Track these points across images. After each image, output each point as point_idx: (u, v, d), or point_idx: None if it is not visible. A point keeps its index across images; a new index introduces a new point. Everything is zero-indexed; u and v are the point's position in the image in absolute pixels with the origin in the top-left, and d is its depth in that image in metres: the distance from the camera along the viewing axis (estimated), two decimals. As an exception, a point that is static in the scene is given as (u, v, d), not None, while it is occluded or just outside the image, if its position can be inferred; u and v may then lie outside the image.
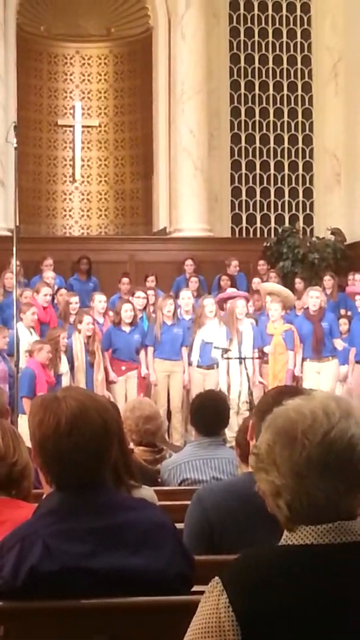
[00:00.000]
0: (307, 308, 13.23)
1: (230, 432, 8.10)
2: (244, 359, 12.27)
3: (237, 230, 19.09)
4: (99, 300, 13.54)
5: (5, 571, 2.73)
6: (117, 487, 3.81)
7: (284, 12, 19.31)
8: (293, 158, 19.27)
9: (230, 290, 14.66)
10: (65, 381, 11.99)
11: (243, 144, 19.14)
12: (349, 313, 14.43)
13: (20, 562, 2.71)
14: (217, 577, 2.08)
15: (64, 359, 12.02)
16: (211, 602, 2.05)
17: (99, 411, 2.88)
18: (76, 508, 2.81)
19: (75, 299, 13.35)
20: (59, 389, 10.16)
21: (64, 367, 12.00)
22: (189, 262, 16.37)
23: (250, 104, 19.15)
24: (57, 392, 2.98)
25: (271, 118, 19.19)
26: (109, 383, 12.68)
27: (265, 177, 19.19)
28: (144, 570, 2.79)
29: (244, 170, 19.13)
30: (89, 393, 3.05)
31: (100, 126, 20.21)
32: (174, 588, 2.82)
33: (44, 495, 2.94)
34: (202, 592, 2.11)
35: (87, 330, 12.45)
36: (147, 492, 4.14)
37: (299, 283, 15.54)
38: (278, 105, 19.23)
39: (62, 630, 2.71)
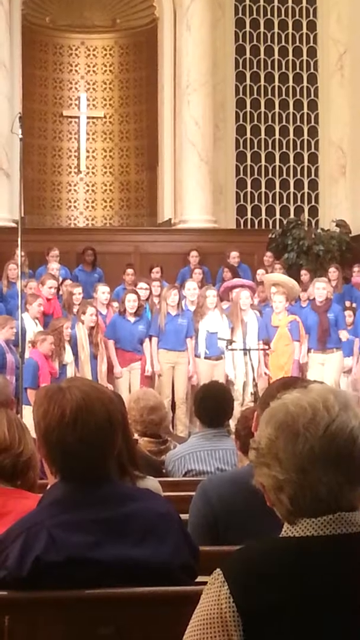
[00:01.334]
0: (314, 299, 13.22)
1: (235, 423, 8.09)
2: (249, 350, 12.26)
3: (242, 221, 19.08)
4: (102, 292, 13.53)
5: (10, 561, 2.73)
6: (122, 478, 3.82)
7: (290, 3, 19.28)
8: (298, 150, 19.26)
9: (236, 280, 14.63)
10: (70, 371, 11.99)
11: (248, 135, 19.13)
12: (354, 305, 14.43)
13: (25, 552, 2.72)
14: (218, 569, 2.08)
15: (68, 349, 12.01)
16: (213, 593, 2.06)
17: (103, 402, 2.88)
18: (80, 499, 2.81)
19: (78, 290, 13.34)
20: (63, 379, 10.18)
21: (68, 357, 12.00)
22: (194, 253, 16.36)
23: (255, 96, 19.13)
24: (62, 383, 2.97)
25: (276, 110, 19.18)
26: (113, 376, 12.66)
27: (270, 168, 19.18)
28: (148, 561, 2.80)
29: (249, 162, 19.12)
30: (93, 384, 3.04)
31: (105, 117, 20.20)
32: (179, 579, 2.83)
33: (48, 486, 2.95)
34: (206, 583, 2.11)
35: (91, 322, 12.45)
36: (151, 483, 4.15)
37: (304, 275, 15.52)
38: (283, 96, 19.22)
39: (67, 621, 2.72)
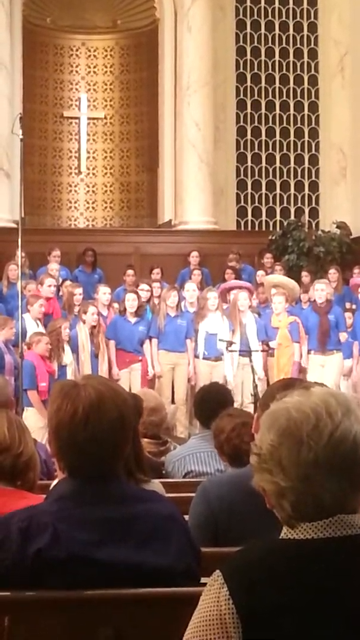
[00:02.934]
0: (315, 301, 13.22)
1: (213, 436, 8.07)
2: (249, 351, 12.26)
3: (242, 223, 19.09)
4: (103, 292, 13.52)
5: (11, 545, 2.73)
6: (127, 481, 3.82)
7: (291, 4, 19.29)
8: (299, 151, 19.26)
9: (233, 282, 14.63)
10: (70, 372, 11.98)
11: (249, 136, 19.13)
12: (354, 306, 14.42)
13: (28, 541, 2.72)
14: (218, 570, 2.08)
15: (67, 349, 12.01)
16: (212, 595, 2.06)
17: (116, 403, 2.88)
18: (87, 496, 2.82)
19: (79, 290, 13.34)
20: (62, 379, 10.10)
21: (67, 357, 11.99)
22: (194, 254, 16.35)
23: (256, 97, 19.14)
24: (79, 379, 2.98)
25: (277, 111, 19.18)
26: (112, 377, 12.66)
27: (271, 170, 19.18)
28: (151, 563, 2.80)
29: (249, 163, 19.12)
30: (110, 384, 3.04)
31: (105, 118, 20.21)
32: (181, 582, 2.82)
33: (55, 481, 2.95)
34: (206, 584, 2.11)
35: (93, 321, 12.45)
36: (155, 486, 4.15)
37: (305, 276, 15.50)
38: (284, 98, 19.22)
39: (67, 622, 2.72)
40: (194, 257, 16.29)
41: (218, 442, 4.84)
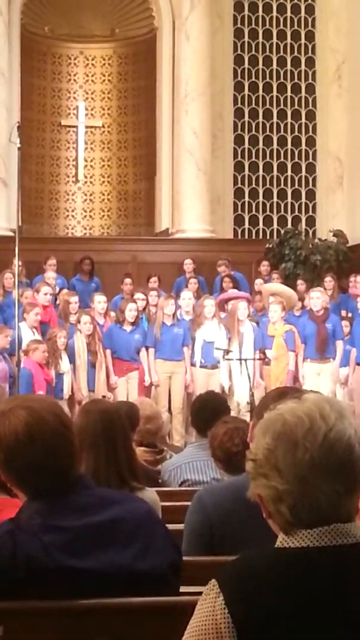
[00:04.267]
0: (311, 309, 13.22)
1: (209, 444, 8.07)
2: (245, 360, 12.26)
3: (239, 231, 19.09)
4: (99, 301, 13.51)
5: (2, 555, 2.73)
6: (121, 489, 3.82)
7: (289, 13, 19.32)
8: (296, 160, 19.28)
9: (232, 292, 14.63)
10: (67, 380, 11.99)
11: (246, 145, 19.15)
12: (350, 315, 14.43)
13: (16, 554, 2.71)
14: (214, 580, 2.08)
15: (64, 358, 12.01)
16: (208, 604, 2.06)
17: (49, 409, 2.90)
18: (63, 507, 2.82)
19: (75, 299, 13.32)
20: (60, 387, 10.09)
21: (64, 366, 11.99)
22: (187, 261, 16.30)
23: (253, 105, 19.16)
24: (1, 407, 2.96)
25: (274, 119, 19.20)
26: (110, 385, 12.67)
27: (268, 178, 19.19)
28: (138, 566, 2.81)
29: (246, 172, 19.14)
30: (30, 397, 3.10)
31: (103, 127, 20.23)
32: (167, 578, 2.86)
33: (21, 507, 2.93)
34: (202, 593, 2.11)
35: (87, 330, 12.46)
36: (150, 495, 4.15)
37: (300, 284, 15.51)
38: (281, 106, 19.24)
39: (63, 631, 2.72)
40: (188, 265, 16.25)
41: (212, 448, 4.85)
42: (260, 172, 19.17)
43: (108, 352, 12.73)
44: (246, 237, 19.01)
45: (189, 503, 4.10)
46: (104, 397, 11.84)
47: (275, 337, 12.95)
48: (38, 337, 12.05)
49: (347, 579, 2.03)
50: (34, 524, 2.78)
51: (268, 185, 19.19)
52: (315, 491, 2.07)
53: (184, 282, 15.75)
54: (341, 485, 2.08)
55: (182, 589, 2.93)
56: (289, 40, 19.37)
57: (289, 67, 19.32)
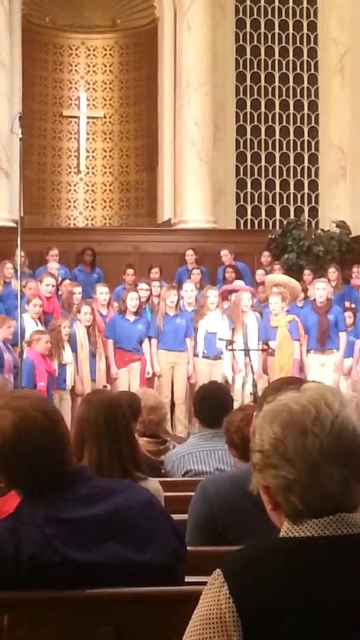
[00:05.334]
0: (314, 299, 13.21)
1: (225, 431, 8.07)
2: (249, 350, 12.26)
3: (241, 222, 19.08)
4: (101, 292, 13.51)
5: (4, 554, 2.72)
6: (124, 479, 3.81)
7: (291, 3, 19.28)
8: (298, 150, 19.26)
9: (236, 283, 14.63)
10: (69, 371, 11.99)
11: (248, 136, 19.13)
12: (354, 305, 14.42)
13: (19, 549, 2.71)
14: (218, 569, 2.07)
15: (67, 348, 12.01)
16: (212, 593, 2.05)
17: (33, 404, 2.90)
18: (62, 501, 2.82)
19: (78, 289, 13.33)
20: (63, 378, 10.09)
21: (67, 357, 11.99)
22: (189, 252, 16.29)
23: (255, 96, 19.13)
24: None
25: (277, 110, 19.18)
26: (110, 377, 12.67)
27: (270, 169, 19.18)
28: (140, 555, 2.82)
29: (249, 162, 19.12)
30: (11, 394, 3.07)
31: (105, 117, 20.20)
32: (170, 567, 2.86)
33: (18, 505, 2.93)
34: (206, 583, 2.11)
35: (86, 320, 12.46)
36: (153, 484, 4.14)
37: (307, 275, 15.43)
38: (284, 97, 19.22)
39: (66, 621, 2.72)
40: (190, 256, 16.25)
41: (228, 435, 4.83)
42: (263, 163, 19.15)
43: (110, 342, 12.73)
44: (248, 227, 18.99)
45: (192, 493, 4.10)
46: (104, 387, 11.84)
47: (279, 328, 12.94)
48: (41, 327, 12.06)
49: (351, 569, 2.03)
50: (37, 517, 2.78)
51: (270, 176, 19.17)
52: (325, 478, 2.07)
53: (185, 273, 15.75)
54: (350, 471, 2.08)
55: (186, 578, 2.93)
56: (291, 30, 19.33)
57: (291, 57, 19.29)
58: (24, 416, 2.86)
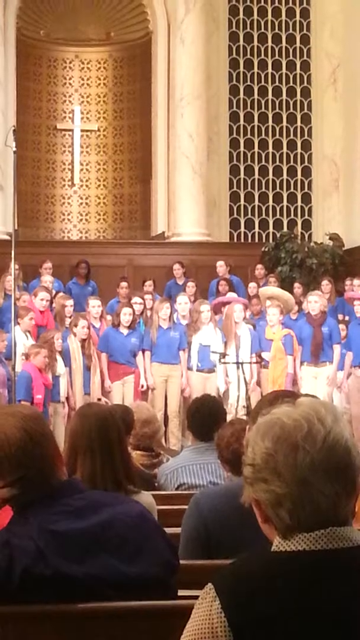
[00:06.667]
0: (308, 312, 13.23)
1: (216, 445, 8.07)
2: (242, 363, 12.26)
3: (235, 235, 19.09)
4: (93, 305, 13.50)
5: None
6: (117, 492, 3.82)
7: (284, 17, 19.32)
8: (292, 163, 19.28)
9: (229, 295, 14.64)
10: (63, 382, 11.99)
11: (242, 148, 19.15)
12: (347, 318, 14.43)
13: (12, 562, 2.71)
14: (210, 584, 2.07)
15: (60, 360, 12.01)
16: (204, 608, 2.05)
17: (17, 426, 2.88)
18: (53, 513, 2.82)
19: (70, 302, 13.32)
20: (57, 390, 10.05)
21: (60, 368, 12.00)
22: (176, 266, 16.31)
23: (249, 109, 19.16)
24: None
25: (270, 123, 19.20)
26: (104, 390, 12.66)
27: (263, 182, 19.19)
28: (132, 568, 2.81)
29: (242, 175, 19.14)
30: (1, 410, 3.07)
31: (99, 130, 20.22)
32: (162, 580, 2.86)
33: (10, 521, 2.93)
34: (198, 597, 2.11)
35: (82, 334, 12.46)
36: (146, 498, 4.15)
37: (297, 288, 15.53)
38: (277, 110, 19.24)
39: (59, 635, 2.71)
40: (177, 270, 16.26)
41: (219, 450, 4.84)
42: (256, 176, 19.17)
43: (103, 356, 12.73)
44: (242, 240, 19.00)
45: (185, 507, 4.10)
46: (99, 400, 11.84)
47: (273, 341, 12.95)
48: (32, 341, 12.06)
49: (342, 583, 2.03)
50: (29, 530, 2.77)
51: (264, 189, 19.19)
52: (315, 493, 2.07)
53: (175, 286, 15.77)
54: (340, 487, 2.08)
55: (180, 592, 2.93)
56: (284, 44, 19.37)
57: (284, 70, 19.32)
58: (3, 435, 2.85)
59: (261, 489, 2.11)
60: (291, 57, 19.35)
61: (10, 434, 2.86)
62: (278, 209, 19.23)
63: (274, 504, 2.09)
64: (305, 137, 19.26)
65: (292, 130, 19.27)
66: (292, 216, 19.24)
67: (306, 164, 19.27)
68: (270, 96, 19.21)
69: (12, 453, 2.84)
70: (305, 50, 19.38)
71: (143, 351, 12.94)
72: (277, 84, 19.26)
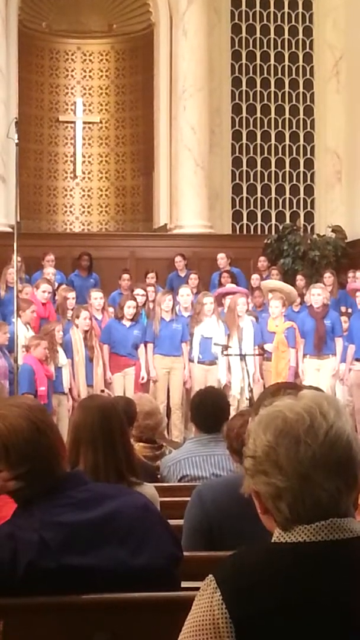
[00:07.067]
0: (311, 305, 13.22)
1: (225, 437, 8.07)
2: (244, 355, 12.26)
3: (237, 227, 19.08)
4: (95, 297, 13.50)
5: (2, 560, 2.73)
6: (120, 484, 3.82)
7: (286, 9, 19.30)
8: (294, 155, 19.27)
9: (230, 286, 14.63)
10: (66, 374, 11.99)
11: (244, 141, 19.14)
12: (349, 310, 14.42)
13: (17, 554, 2.71)
14: (211, 575, 2.07)
15: (61, 351, 12.01)
16: (205, 599, 2.05)
17: (23, 416, 2.88)
18: (57, 505, 2.82)
19: (72, 294, 13.31)
20: (60, 381, 10.04)
21: (62, 359, 12.00)
22: (178, 258, 16.29)
23: (251, 101, 19.15)
24: None
25: (272, 115, 19.19)
26: (105, 381, 12.67)
27: (266, 174, 19.18)
28: (136, 559, 2.82)
29: (245, 167, 19.13)
30: (5, 401, 3.09)
31: (101, 122, 20.21)
32: (166, 572, 2.86)
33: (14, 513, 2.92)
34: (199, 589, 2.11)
35: (85, 325, 12.45)
36: (148, 490, 4.15)
37: (300, 280, 15.52)
38: (279, 102, 19.23)
39: (62, 627, 2.71)
40: (179, 262, 16.25)
41: (229, 440, 4.83)
42: (259, 168, 19.16)
43: (105, 347, 12.73)
44: (244, 232, 18.99)
45: (188, 498, 4.11)
46: (102, 391, 11.85)
47: (276, 334, 12.95)
48: (32, 333, 12.06)
49: (343, 574, 2.03)
50: (33, 522, 2.78)
51: (266, 181, 19.18)
52: (316, 488, 2.06)
53: (176, 279, 15.76)
54: (341, 481, 2.08)
55: (182, 584, 2.93)
56: (286, 36, 19.35)
57: (286, 62, 19.30)
58: (10, 427, 2.86)
59: (261, 482, 2.11)
60: (294, 49, 19.33)
61: (17, 424, 2.86)
62: (280, 201, 19.22)
63: (274, 497, 2.09)
64: (308, 129, 19.25)
65: (294, 122, 19.25)
66: (294, 208, 19.23)
67: (309, 156, 19.26)
68: (272, 88, 19.20)
69: (20, 443, 2.84)
70: (307, 42, 19.36)
71: (145, 343, 12.94)
72: (279, 76, 19.25)
